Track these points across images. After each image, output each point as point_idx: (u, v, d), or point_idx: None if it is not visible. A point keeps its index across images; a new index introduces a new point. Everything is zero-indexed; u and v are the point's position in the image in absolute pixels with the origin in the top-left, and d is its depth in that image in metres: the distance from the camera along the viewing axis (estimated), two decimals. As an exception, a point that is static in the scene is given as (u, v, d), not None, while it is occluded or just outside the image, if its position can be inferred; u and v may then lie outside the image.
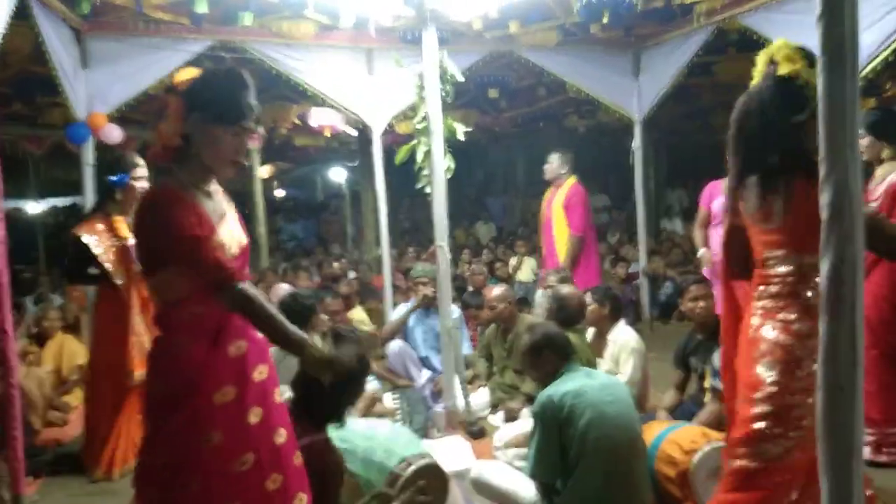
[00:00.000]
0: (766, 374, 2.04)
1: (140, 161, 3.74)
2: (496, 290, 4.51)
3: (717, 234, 3.99)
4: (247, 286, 1.86)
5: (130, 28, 5.05)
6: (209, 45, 5.22)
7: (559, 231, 5.41)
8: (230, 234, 1.94)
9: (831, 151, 1.40)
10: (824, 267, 1.41)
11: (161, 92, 6.04)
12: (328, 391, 2.10)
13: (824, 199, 1.40)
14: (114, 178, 3.68)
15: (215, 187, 1.98)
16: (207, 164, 1.91)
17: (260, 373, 1.93)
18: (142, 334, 3.64)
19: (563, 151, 5.55)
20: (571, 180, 5.43)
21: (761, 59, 2.15)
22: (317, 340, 3.04)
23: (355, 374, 2.26)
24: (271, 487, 1.90)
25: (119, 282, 3.62)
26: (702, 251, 4.00)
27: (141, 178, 3.71)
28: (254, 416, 1.88)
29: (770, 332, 2.06)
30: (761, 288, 2.12)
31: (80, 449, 3.83)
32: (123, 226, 3.68)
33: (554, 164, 5.48)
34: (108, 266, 3.60)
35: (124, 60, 5.03)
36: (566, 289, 4.10)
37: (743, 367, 2.13)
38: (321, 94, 5.62)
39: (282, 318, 1.91)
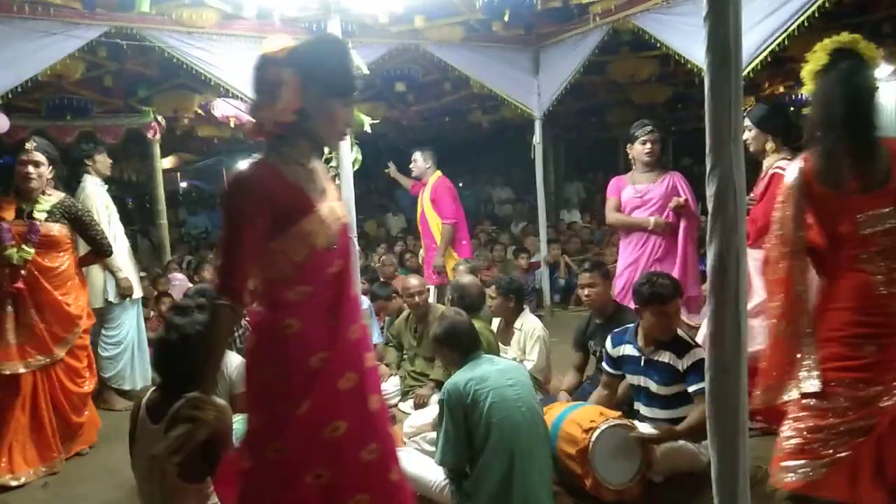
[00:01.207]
0: None
1: (30, 146, 3.72)
2: (413, 280, 4.61)
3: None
4: (228, 307, 1.79)
5: (16, 11, 4.77)
6: (104, 31, 5.01)
7: (433, 222, 5.80)
8: (331, 210, 1.91)
9: (716, 145, 1.45)
10: (710, 255, 1.48)
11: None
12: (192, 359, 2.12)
13: (710, 190, 1.47)
14: None
15: (316, 162, 1.95)
16: (320, 137, 1.90)
17: (353, 332, 1.92)
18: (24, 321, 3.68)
19: (425, 149, 5.99)
20: (436, 175, 5.88)
21: (829, 46, 2.37)
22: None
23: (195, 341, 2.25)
24: (367, 458, 1.88)
25: None
26: (652, 219, 4.16)
27: (26, 162, 3.69)
28: (346, 382, 1.87)
29: None
30: None
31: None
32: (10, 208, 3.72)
33: (419, 161, 5.94)
34: None
35: (8, 45, 4.73)
36: (466, 278, 4.26)
37: None
38: (225, 83, 5.50)
39: (222, 352, 1.90)
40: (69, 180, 4.41)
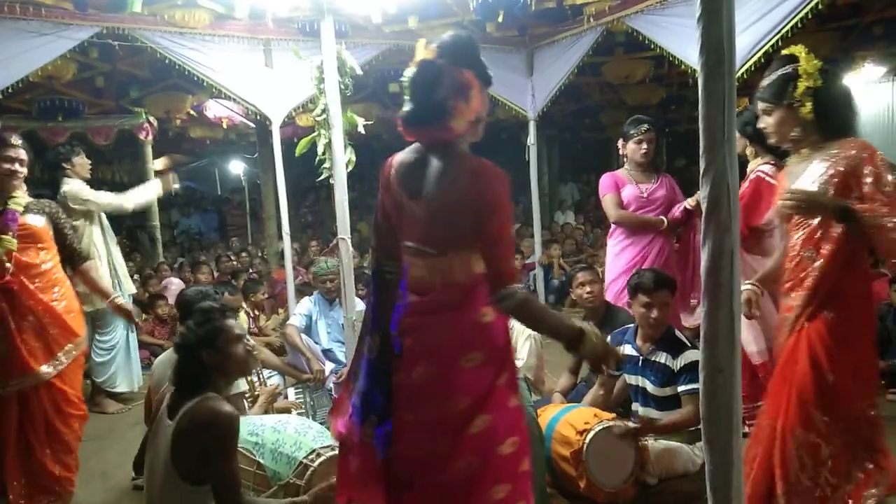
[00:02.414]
0: None
1: (16, 142, 3.29)
2: None
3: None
4: (525, 291, 1.89)
5: (6, 11, 4.75)
6: (95, 31, 4.99)
7: None
8: None
9: (710, 146, 1.44)
10: (704, 256, 1.47)
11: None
12: (206, 362, 2.26)
13: (703, 192, 1.45)
14: None
15: None
16: (478, 130, 1.95)
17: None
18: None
19: None
20: None
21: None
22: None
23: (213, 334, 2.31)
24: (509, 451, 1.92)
25: None
26: (664, 219, 4.06)
27: (11, 159, 3.23)
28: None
29: None
30: None
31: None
32: None
33: None
34: None
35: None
36: None
37: None
38: (218, 84, 5.49)
39: (549, 316, 1.96)
40: (48, 184, 4.19)
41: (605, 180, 4.25)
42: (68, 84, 6.51)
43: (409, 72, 1.92)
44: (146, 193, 4.89)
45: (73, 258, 3.50)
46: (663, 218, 4.06)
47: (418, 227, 1.93)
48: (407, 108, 1.92)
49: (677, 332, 3.27)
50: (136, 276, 6.74)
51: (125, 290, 4.82)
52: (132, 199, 4.79)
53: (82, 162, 4.72)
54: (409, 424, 1.90)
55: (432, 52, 1.91)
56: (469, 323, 1.88)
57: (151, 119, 7.47)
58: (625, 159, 4.22)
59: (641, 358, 3.27)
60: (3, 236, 3.17)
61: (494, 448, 1.86)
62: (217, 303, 2.58)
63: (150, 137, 7.48)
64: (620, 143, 4.20)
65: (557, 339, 1.91)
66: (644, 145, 4.05)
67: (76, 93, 6.91)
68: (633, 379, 3.34)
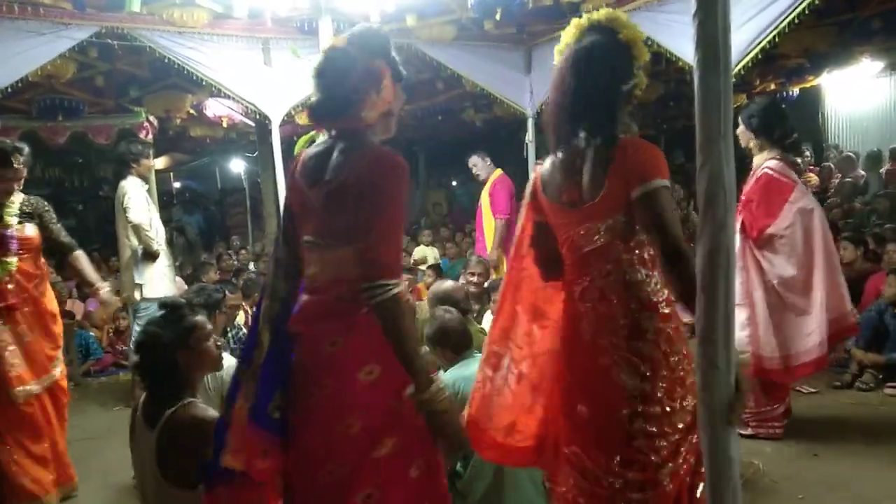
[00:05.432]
0: None
1: (18, 161, 3.33)
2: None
3: None
4: (402, 291, 1.71)
5: (5, 11, 4.75)
6: (94, 31, 4.99)
7: (487, 218, 5.93)
8: None
9: (706, 142, 1.43)
10: (700, 253, 1.47)
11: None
12: (180, 363, 2.19)
13: (699, 187, 1.45)
14: None
15: None
16: (390, 125, 1.88)
17: None
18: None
19: (479, 151, 6.16)
20: (497, 172, 6.01)
21: (579, 24, 2.01)
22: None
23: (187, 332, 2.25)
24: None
25: None
26: None
27: (9, 179, 3.31)
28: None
29: None
30: None
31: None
32: None
33: (478, 164, 6.08)
34: None
35: (-3, 45, 4.73)
36: (448, 283, 4.19)
37: None
38: (217, 84, 5.49)
39: (415, 337, 1.75)
40: (114, 179, 4.28)
41: None
42: (68, 83, 6.51)
43: (316, 61, 1.83)
44: (149, 242, 4.86)
45: (60, 250, 3.66)
46: None
47: (314, 218, 1.82)
48: (314, 98, 1.81)
49: None
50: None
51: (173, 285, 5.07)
52: (144, 237, 4.82)
53: (148, 163, 5.01)
54: (305, 448, 1.76)
55: (342, 41, 1.83)
56: (366, 330, 1.71)
57: (151, 118, 7.46)
58: None
59: None
60: (4, 259, 3.31)
61: (404, 472, 1.73)
62: (186, 301, 2.46)
63: (151, 136, 7.46)
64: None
65: (408, 369, 1.70)
66: None
67: (76, 92, 6.90)
68: None
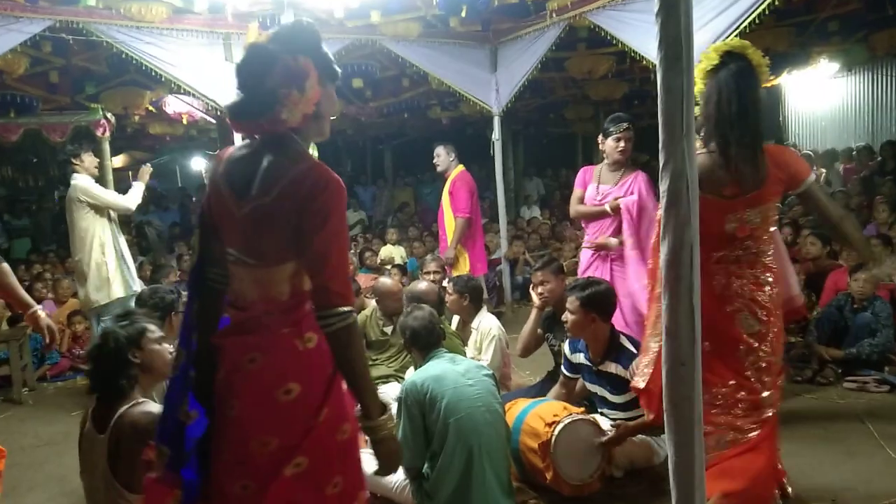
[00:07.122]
0: None
1: None
2: (388, 281, 4.57)
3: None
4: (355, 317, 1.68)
5: (-48, 3, 4.58)
6: (48, 25, 4.84)
7: (448, 216, 5.74)
8: None
9: (669, 141, 1.45)
10: (664, 249, 1.48)
11: None
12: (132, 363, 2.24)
13: (663, 185, 1.47)
14: None
15: None
16: (322, 128, 1.77)
17: None
18: None
19: (447, 143, 5.87)
20: (458, 168, 5.76)
21: (718, 48, 2.48)
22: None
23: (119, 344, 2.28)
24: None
25: None
26: (607, 206, 4.04)
27: None
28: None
29: None
30: None
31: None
32: None
33: (442, 155, 5.80)
34: None
35: (-55, 39, 4.56)
36: (422, 285, 4.18)
37: None
38: (176, 80, 5.38)
39: (365, 363, 1.76)
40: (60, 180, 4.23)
41: (578, 175, 4.41)
42: (20, 79, 6.30)
43: (238, 58, 1.77)
44: (137, 191, 5.16)
45: None
46: (606, 206, 4.06)
47: (240, 232, 1.71)
48: (234, 97, 1.69)
49: (623, 340, 3.27)
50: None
51: (136, 284, 5.11)
52: (132, 199, 5.10)
53: (91, 159, 5.05)
54: (221, 460, 1.72)
55: (265, 37, 1.74)
56: (288, 348, 1.67)
57: (109, 115, 7.27)
58: (604, 155, 4.26)
59: (595, 369, 3.29)
60: None
61: (320, 490, 1.70)
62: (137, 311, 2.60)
63: (108, 134, 7.27)
64: (600, 138, 4.22)
65: (358, 397, 1.71)
66: (622, 143, 4.04)
67: (29, 88, 6.69)
68: (591, 387, 3.37)
